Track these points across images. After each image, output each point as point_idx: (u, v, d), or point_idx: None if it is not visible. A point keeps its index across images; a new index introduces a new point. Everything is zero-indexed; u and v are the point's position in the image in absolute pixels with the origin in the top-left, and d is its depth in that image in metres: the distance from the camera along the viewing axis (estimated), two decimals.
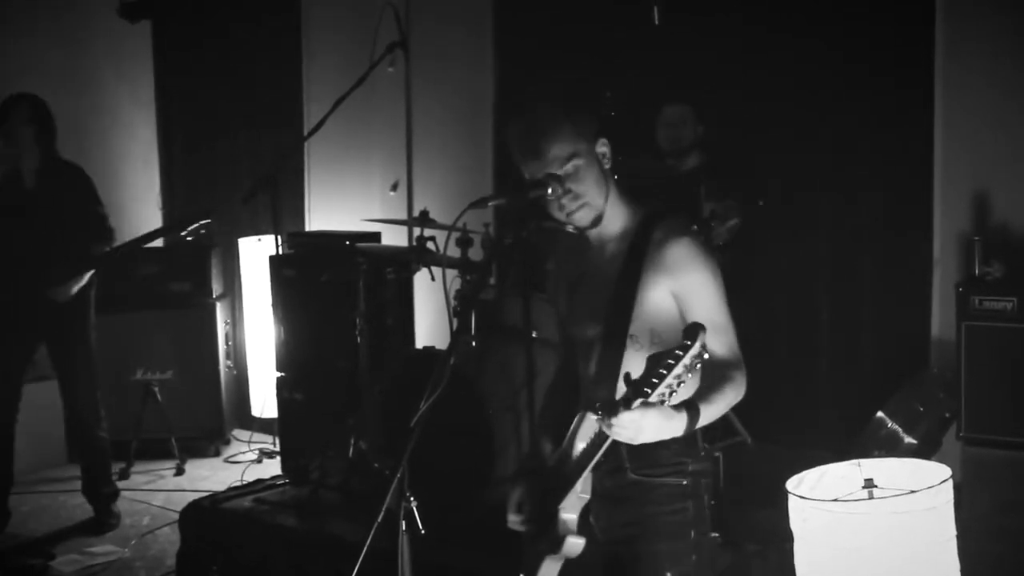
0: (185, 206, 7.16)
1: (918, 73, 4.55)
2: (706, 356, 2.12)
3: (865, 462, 2.28)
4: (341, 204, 6.26)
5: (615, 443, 2.25)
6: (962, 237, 4.34)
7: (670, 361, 2.10)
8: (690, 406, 2.23)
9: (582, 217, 2.43)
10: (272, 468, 5.66)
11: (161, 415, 6.07)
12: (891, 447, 4.18)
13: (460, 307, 4.29)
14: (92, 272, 5.03)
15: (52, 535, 5.18)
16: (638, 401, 2.10)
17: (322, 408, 5.02)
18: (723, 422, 4.39)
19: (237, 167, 6.85)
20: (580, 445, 2.37)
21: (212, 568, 4.33)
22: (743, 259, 4.45)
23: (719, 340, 2.33)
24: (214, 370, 6.35)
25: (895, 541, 2.09)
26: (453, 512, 3.82)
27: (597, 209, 2.43)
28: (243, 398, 6.67)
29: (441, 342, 5.06)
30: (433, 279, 4.61)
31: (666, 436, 2.23)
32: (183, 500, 4.94)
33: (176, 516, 4.84)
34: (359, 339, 4.67)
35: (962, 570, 2.21)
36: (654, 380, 2.10)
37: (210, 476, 5.99)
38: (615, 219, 2.47)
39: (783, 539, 2.38)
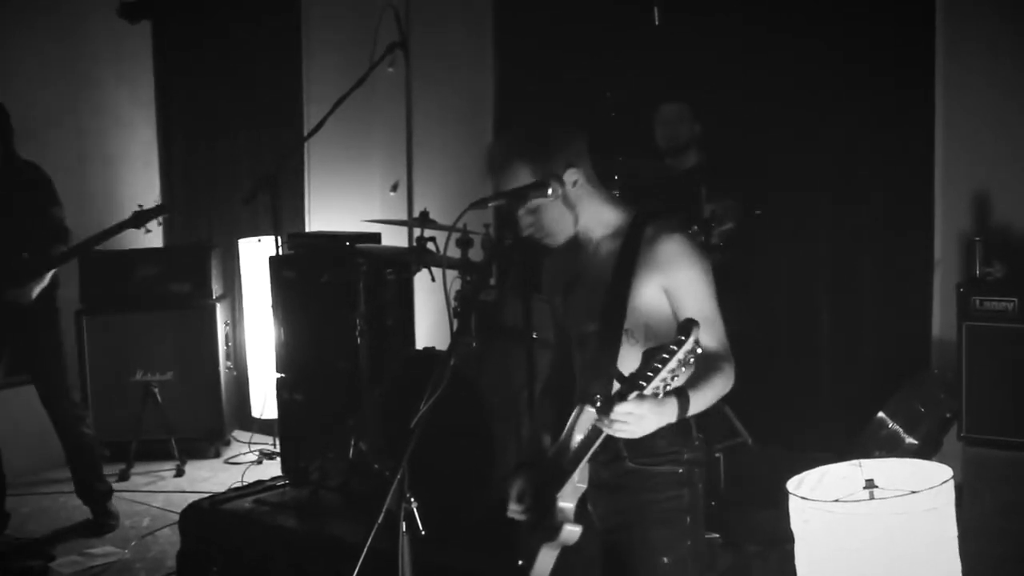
0: (185, 207, 7.17)
1: (918, 73, 4.55)
2: (699, 351, 2.17)
3: (866, 463, 2.28)
4: (341, 205, 6.25)
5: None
6: (963, 237, 4.33)
7: (665, 356, 2.15)
8: (680, 393, 2.29)
9: (549, 242, 2.56)
10: (272, 469, 5.65)
11: (161, 416, 6.07)
12: (892, 448, 4.18)
13: (460, 308, 4.28)
14: (53, 272, 4.96)
15: (52, 536, 5.18)
16: (634, 394, 2.17)
17: (322, 409, 5.02)
18: (724, 423, 4.40)
19: (237, 167, 6.85)
20: (578, 437, 2.43)
21: (212, 569, 4.33)
22: (743, 259, 4.45)
23: (709, 333, 2.38)
24: (214, 371, 6.34)
25: (896, 542, 2.09)
26: (453, 513, 3.82)
27: (562, 236, 2.54)
28: (243, 399, 6.66)
29: (441, 343, 5.05)
30: (433, 280, 4.61)
31: (661, 424, 2.29)
32: (183, 501, 4.95)
33: (176, 517, 4.84)
34: (359, 340, 4.67)
35: (963, 571, 2.21)
36: (649, 374, 2.16)
37: (210, 477, 5.99)
38: (605, 222, 2.54)
39: (784, 540, 2.38)
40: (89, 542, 5.06)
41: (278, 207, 4.62)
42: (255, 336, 6.52)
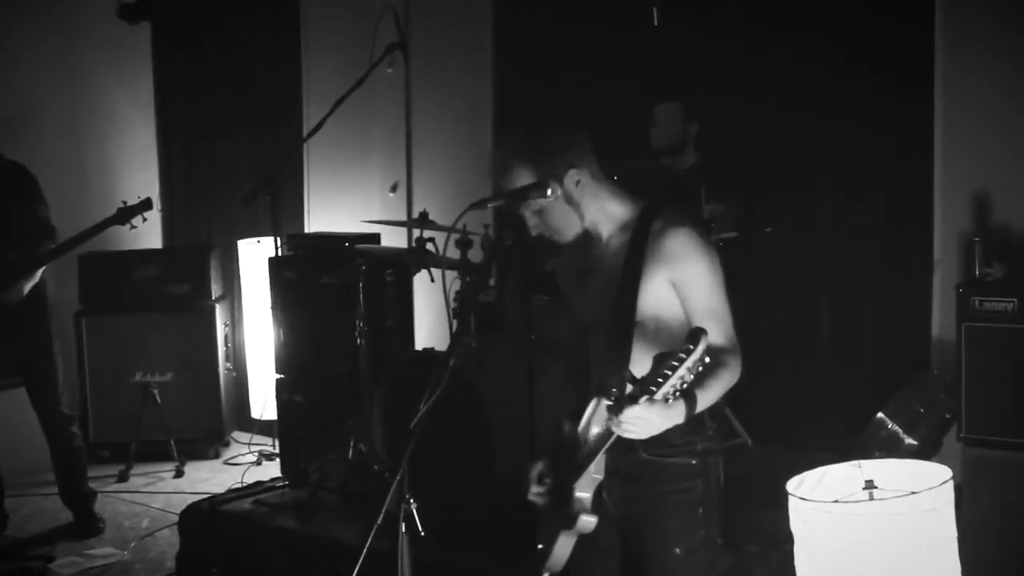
0: (185, 207, 7.17)
1: (918, 73, 4.55)
2: (707, 360, 2.20)
3: (865, 463, 2.28)
4: (341, 205, 6.25)
5: None
6: (962, 237, 4.33)
7: (674, 363, 2.19)
8: (688, 395, 2.30)
9: (559, 240, 2.57)
10: (272, 470, 5.65)
11: (160, 417, 6.06)
12: (891, 448, 4.18)
13: (460, 309, 4.28)
14: (42, 270, 4.95)
15: (51, 537, 5.16)
16: (644, 398, 2.21)
17: (322, 410, 5.02)
18: (724, 424, 4.39)
19: (237, 168, 6.85)
20: (594, 430, 2.46)
21: (212, 570, 4.33)
22: (743, 259, 4.44)
23: (716, 328, 2.39)
24: (213, 372, 6.34)
25: (896, 542, 2.09)
26: (453, 513, 3.81)
27: (570, 234, 2.55)
28: (243, 400, 6.66)
29: (441, 344, 5.05)
30: (433, 280, 4.61)
31: (668, 427, 2.32)
32: (183, 502, 4.95)
33: (176, 518, 4.84)
34: (359, 341, 4.66)
35: (963, 571, 2.21)
36: (659, 380, 2.20)
37: (210, 478, 5.98)
38: (613, 217, 2.55)
39: (784, 540, 2.38)
40: (88, 543, 5.06)
41: (278, 208, 4.62)
42: (255, 337, 6.52)
